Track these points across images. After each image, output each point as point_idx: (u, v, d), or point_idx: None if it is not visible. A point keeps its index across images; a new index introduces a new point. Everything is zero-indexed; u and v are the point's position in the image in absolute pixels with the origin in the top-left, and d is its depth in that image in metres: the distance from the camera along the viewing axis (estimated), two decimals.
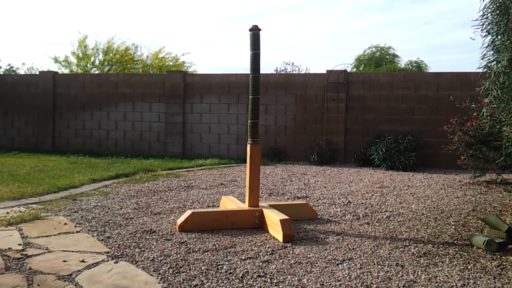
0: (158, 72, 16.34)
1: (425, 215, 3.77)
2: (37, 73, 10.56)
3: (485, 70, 3.45)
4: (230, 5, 39.29)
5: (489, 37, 3.39)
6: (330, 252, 2.70)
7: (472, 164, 5.79)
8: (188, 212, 3.21)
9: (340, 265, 2.46)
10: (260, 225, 3.27)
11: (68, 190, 4.75)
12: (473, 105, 5.77)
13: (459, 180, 6.01)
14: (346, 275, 2.30)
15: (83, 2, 33.27)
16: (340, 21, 40.05)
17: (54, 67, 19.50)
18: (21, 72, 17.18)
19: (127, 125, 9.35)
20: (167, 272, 2.31)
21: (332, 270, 2.39)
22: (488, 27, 3.37)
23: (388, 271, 2.37)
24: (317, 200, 4.41)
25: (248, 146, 3.41)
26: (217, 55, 36.55)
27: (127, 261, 2.48)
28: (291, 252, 2.69)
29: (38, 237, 2.92)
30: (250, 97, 3.41)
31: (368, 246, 2.83)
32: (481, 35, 3.44)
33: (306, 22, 39.42)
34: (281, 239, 2.89)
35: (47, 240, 2.85)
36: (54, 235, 2.99)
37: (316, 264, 2.47)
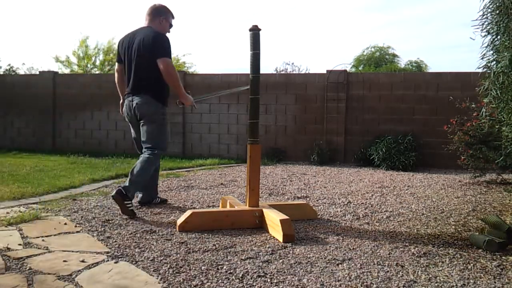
0: None
1: (425, 215, 3.77)
2: (37, 73, 10.56)
3: (485, 70, 3.44)
4: (230, 5, 39.28)
5: (489, 37, 3.38)
6: (330, 252, 2.70)
7: (472, 164, 5.78)
8: (188, 212, 3.21)
9: (340, 265, 2.46)
10: (260, 225, 3.27)
11: (68, 190, 4.75)
12: (473, 105, 5.77)
13: (459, 180, 6.01)
14: (346, 275, 2.30)
15: (84, 2, 33.27)
16: (340, 21, 40.05)
17: (55, 67, 19.52)
18: (21, 72, 17.19)
19: (127, 125, 9.32)
20: (167, 272, 2.31)
21: (332, 270, 2.38)
22: (488, 27, 3.37)
23: (388, 271, 2.37)
24: (317, 200, 4.41)
25: (248, 146, 3.41)
26: (217, 55, 36.56)
27: (127, 261, 2.48)
28: (291, 252, 2.69)
29: (38, 237, 2.92)
30: (250, 97, 3.41)
31: (368, 246, 2.83)
32: (481, 35, 3.43)
33: (306, 22, 39.42)
34: (281, 239, 2.89)
35: (47, 240, 2.85)
36: (54, 235, 2.99)
37: (316, 264, 2.47)
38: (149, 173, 3.62)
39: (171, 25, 3.81)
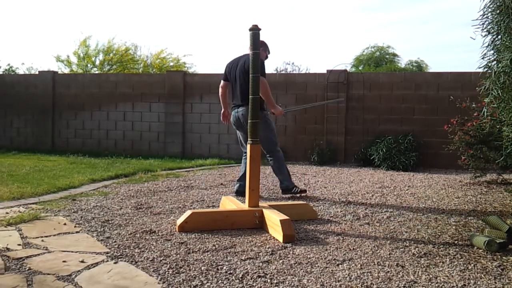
0: (159, 72, 16.33)
1: (425, 216, 3.77)
2: (37, 73, 10.55)
3: (486, 69, 3.43)
4: (230, 5, 39.27)
5: (490, 36, 3.37)
6: (330, 252, 2.69)
7: (472, 164, 5.77)
8: (188, 212, 3.20)
9: (340, 266, 2.45)
10: (260, 226, 3.26)
11: (67, 190, 4.75)
12: (473, 105, 5.76)
13: (460, 180, 6.00)
14: (346, 276, 2.30)
15: (84, 2, 33.27)
16: (340, 21, 40.05)
17: (54, 67, 19.50)
18: (21, 72, 17.17)
19: (127, 125, 9.35)
20: (167, 273, 2.30)
21: (332, 270, 2.38)
22: (489, 27, 3.36)
23: (388, 272, 2.36)
24: (317, 200, 4.41)
25: (248, 146, 3.41)
26: (217, 55, 36.56)
27: (127, 262, 2.47)
28: (291, 252, 2.68)
29: (38, 237, 2.91)
30: (250, 97, 3.40)
31: (369, 246, 2.82)
32: (482, 35, 3.42)
33: (306, 22, 39.42)
34: (281, 240, 2.88)
35: (47, 240, 2.84)
36: (54, 235, 2.98)
37: (316, 265, 2.46)
38: (283, 162, 4.60)
39: (266, 56, 4.78)
